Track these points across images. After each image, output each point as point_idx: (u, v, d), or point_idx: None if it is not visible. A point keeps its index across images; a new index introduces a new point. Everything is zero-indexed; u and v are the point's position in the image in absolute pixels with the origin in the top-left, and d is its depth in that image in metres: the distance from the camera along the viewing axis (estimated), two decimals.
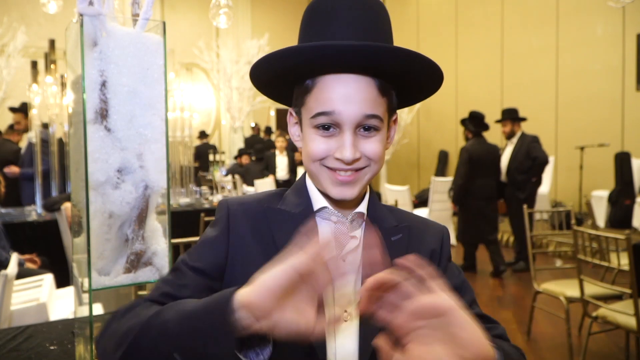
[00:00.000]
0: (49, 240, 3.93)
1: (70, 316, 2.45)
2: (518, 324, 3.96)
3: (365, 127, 0.79)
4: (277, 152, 7.94)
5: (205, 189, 6.50)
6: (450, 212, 6.39)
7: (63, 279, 3.18)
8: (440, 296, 0.60)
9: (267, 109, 12.55)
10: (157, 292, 0.79)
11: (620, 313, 2.71)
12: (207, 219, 3.82)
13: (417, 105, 7.71)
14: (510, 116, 5.46)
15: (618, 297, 3.08)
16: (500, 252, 5.37)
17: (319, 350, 0.77)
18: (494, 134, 6.58)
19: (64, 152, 4.94)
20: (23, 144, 5.84)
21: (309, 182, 0.89)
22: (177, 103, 5.41)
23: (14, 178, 5.39)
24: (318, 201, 0.86)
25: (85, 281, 1.12)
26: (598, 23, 7.21)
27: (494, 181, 5.38)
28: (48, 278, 2.84)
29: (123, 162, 1.09)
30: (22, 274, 2.93)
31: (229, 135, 12.16)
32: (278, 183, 7.56)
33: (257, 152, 8.14)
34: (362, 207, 0.87)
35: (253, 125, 11.65)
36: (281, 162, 7.87)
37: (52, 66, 5.45)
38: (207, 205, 5.04)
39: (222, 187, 6.85)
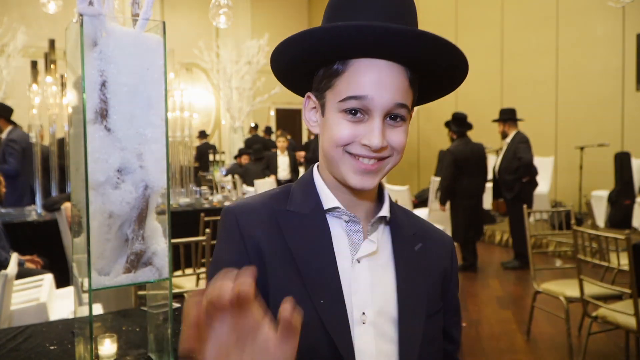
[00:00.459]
0: (49, 240, 3.93)
1: (70, 316, 2.45)
2: (518, 324, 3.96)
3: (392, 115, 0.77)
4: (278, 152, 7.95)
5: (205, 189, 6.50)
6: (449, 213, 6.40)
7: (63, 279, 3.18)
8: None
9: (267, 109, 12.56)
10: None
11: (620, 313, 2.71)
12: (207, 219, 3.82)
13: None
14: (502, 117, 5.52)
15: (618, 297, 3.08)
16: (474, 250, 5.52)
17: (344, 351, 0.76)
18: (494, 134, 6.59)
19: (64, 152, 4.95)
20: None
21: (317, 179, 0.86)
22: (177, 103, 5.41)
23: None
24: (328, 200, 0.83)
25: (85, 281, 1.12)
26: (598, 23, 7.21)
27: (482, 180, 5.43)
28: (48, 278, 2.84)
29: (123, 162, 1.09)
30: (22, 274, 2.93)
31: (229, 135, 12.17)
32: (280, 183, 7.57)
33: (256, 152, 8.15)
34: (385, 211, 0.85)
35: (253, 125, 11.66)
36: (282, 162, 7.88)
37: (52, 66, 5.44)
38: (207, 205, 5.03)
39: (222, 187, 6.85)
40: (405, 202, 6.26)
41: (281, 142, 7.97)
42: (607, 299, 3.03)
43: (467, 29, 9.44)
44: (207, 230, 3.05)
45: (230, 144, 12.14)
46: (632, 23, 6.82)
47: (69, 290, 2.98)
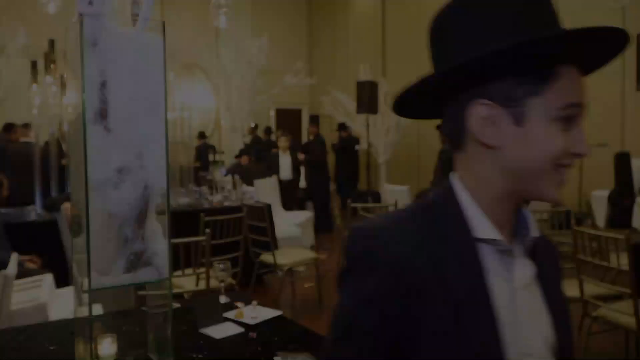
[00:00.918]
0: (49, 240, 3.93)
1: (70, 316, 2.45)
2: None
3: None
4: (280, 151, 7.94)
5: (205, 189, 6.50)
6: None
7: (63, 279, 3.18)
8: None
9: (267, 109, 12.56)
10: None
11: (620, 313, 2.71)
12: (207, 219, 3.81)
13: None
14: None
15: (618, 297, 3.08)
16: None
17: None
18: None
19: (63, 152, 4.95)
20: None
21: (466, 200, 0.71)
22: (177, 103, 5.42)
23: None
24: (482, 228, 0.70)
25: (85, 281, 1.12)
26: (598, 23, 7.18)
27: None
28: (48, 278, 2.84)
29: (123, 162, 1.09)
30: (22, 274, 2.93)
31: (229, 135, 12.17)
32: (281, 182, 7.57)
33: (256, 153, 8.15)
34: (535, 230, 0.75)
35: (253, 125, 11.66)
36: (284, 162, 7.87)
37: (52, 66, 5.45)
38: (207, 205, 5.04)
39: (222, 187, 6.85)
40: (405, 202, 6.26)
41: (283, 142, 7.97)
42: (607, 299, 3.03)
43: None
44: (207, 230, 3.05)
45: (230, 144, 12.14)
46: (632, 23, 6.81)
47: (69, 290, 2.98)
